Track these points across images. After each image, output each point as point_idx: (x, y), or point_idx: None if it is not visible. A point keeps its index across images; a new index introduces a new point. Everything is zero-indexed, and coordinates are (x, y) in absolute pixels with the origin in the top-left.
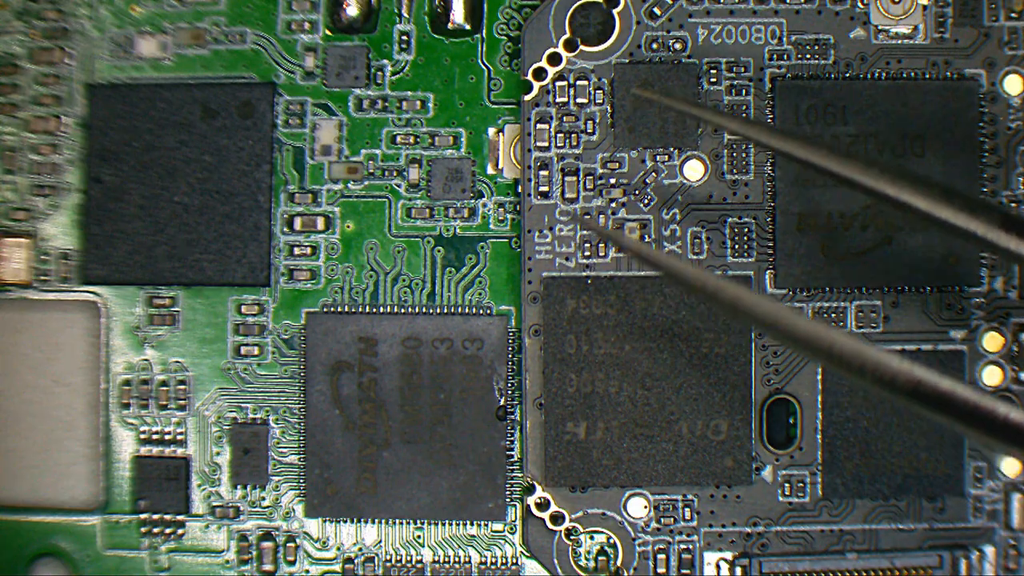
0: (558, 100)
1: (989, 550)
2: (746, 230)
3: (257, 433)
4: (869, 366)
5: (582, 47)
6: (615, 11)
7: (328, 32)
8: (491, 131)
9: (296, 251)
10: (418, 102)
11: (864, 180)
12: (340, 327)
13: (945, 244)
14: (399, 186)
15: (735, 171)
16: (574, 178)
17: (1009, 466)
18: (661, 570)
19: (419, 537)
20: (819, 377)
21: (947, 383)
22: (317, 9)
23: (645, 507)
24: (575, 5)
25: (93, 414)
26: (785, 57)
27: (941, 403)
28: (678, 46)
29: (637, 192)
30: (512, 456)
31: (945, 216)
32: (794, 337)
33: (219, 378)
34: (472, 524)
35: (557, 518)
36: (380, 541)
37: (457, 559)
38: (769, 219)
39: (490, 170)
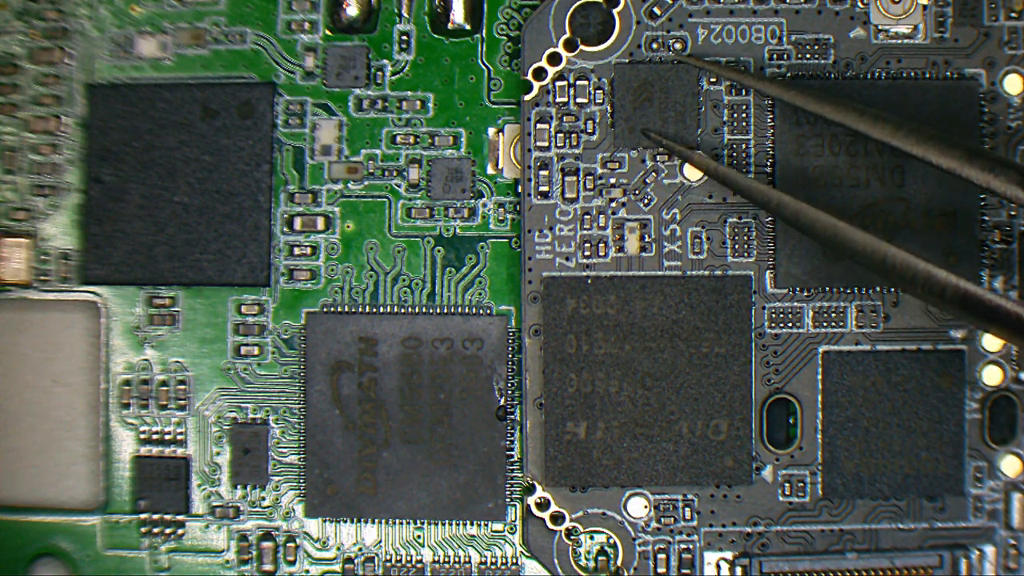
0: (558, 100)
1: (989, 550)
2: (746, 230)
3: (257, 433)
4: (920, 278)
5: (582, 47)
6: (615, 11)
7: (328, 32)
8: (491, 131)
9: (296, 251)
10: (418, 102)
11: (893, 141)
12: (340, 327)
13: (945, 244)
14: (399, 186)
15: (735, 170)
16: (574, 178)
17: (1009, 465)
18: (661, 570)
19: (419, 537)
20: (819, 377)
21: (992, 295)
22: (317, 9)
23: (645, 507)
24: (575, 5)
25: (93, 414)
26: (785, 57)
27: (986, 313)
28: (678, 46)
29: (637, 192)
30: (512, 456)
31: (968, 175)
32: (851, 248)
33: (219, 378)
34: (472, 524)
35: (557, 518)
36: (380, 541)
37: (457, 559)
38: (769, 219)
39: (490, 170)
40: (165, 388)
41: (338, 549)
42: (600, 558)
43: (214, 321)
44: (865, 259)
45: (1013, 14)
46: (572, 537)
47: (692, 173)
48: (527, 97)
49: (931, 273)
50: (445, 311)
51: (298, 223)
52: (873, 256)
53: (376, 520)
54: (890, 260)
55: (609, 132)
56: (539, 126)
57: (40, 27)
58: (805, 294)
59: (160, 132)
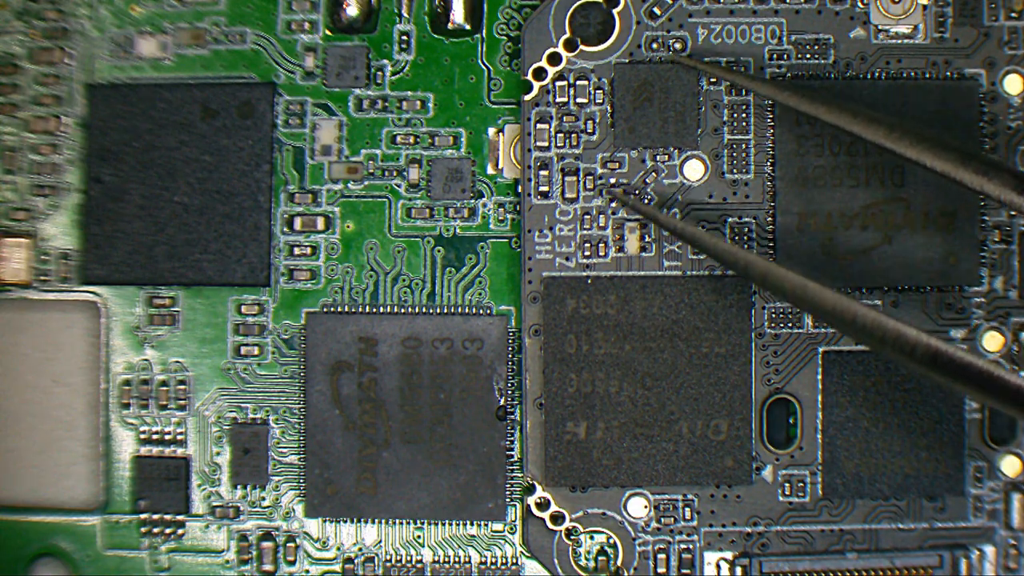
0: (558, 100)
1: (989, 550)
2: (746, 230)
3: (257, 433)
4: (890, 337)
5: (582, 47)
6: (615, 11)
7: (328, 32)
8: (491, 131)
9: (296, 251)
10: (418, 102)
11: (887, 143)
12: (340, 327)
13: (945, 244)
14: (399, 186)
15: (735, 171)
16: (574, 178)
17: (1009, 466)
18: (661, 570)
19: (419, 537)
20: (819, 377)
21: (962, 354)
22: (317, 9)
23: (645, 507)
24: (575, 5)
25: (93, 414)
26: (785, 57)
27: (957, 372)
28: (678, 46)
29: (637, 192)
30: (512, 456)
31: (962, 178)
32: (821, 308)
33: (219, 378)
34: (472, 524)
35: (557, 518)
36: (380, 541)
37: (457, 559)
38: (769, 219)
39: (490, 170)
40: (165, 388)
41: (338, 549)
42: (600, 558)
43: (214, 321)
44: (835, 319)
45: (1013, 14)
46: (572, 537)
47: (692, 173)
48: (527, 97)
49: (901, 332)
50: (445, 311)
51: (298, 223)
52: (843, 316)
53: (376, 520)
54: (860, 320)
55: (609, 132)
56: (539, 126)
57: (40, 27)
58: None
59: (160, 132)
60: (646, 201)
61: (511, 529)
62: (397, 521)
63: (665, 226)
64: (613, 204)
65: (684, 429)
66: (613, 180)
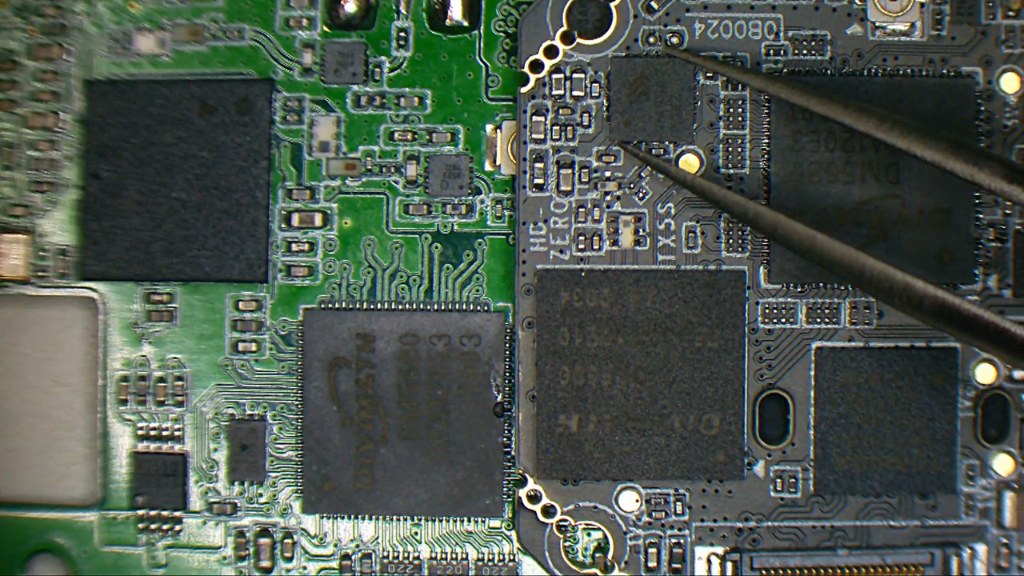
0: (554, 93)
1: (981, 548)
2: (740, 225)
3: (255, 429)
4: (898, 288)
5: (579, 40)
6: (612, 4)
7: (326, 28)
8: (489, 127)
9: (294, 247)
10: (416, 98)
11: (877, 133)
12: (338, 323)
13: (940, 241)
14: (397, 182)
15: (730, 165)
16: (569, 171)
17: (1001, 464)
18: (652, 564)
19: (416, 533)
20: (812, 373)
21: (969, 305)
22: (315, 5)
23: (637, 501)
24: None
25: (91, 410)
26: (782, 53)
27: (964, 323)
28: (675, 40)
29: (632, 186)
30: (509, 452)
31: (952, 167)
32: (829, 260)
33: (217, 374)
34: (469, 520)
35: (548, 511)
36: (377, 537)
37: (454, 555)
38: None
39: (488, 166)
40: (163, 384)
41: (335, 545)
42: (597, 555)
43: (212, 317)
44: (843, 270)
45: (1010, 12)
46: (563, 530)
47: (687, 167)
48: (523, 89)
49: (908, 283)
50: (443, 307)
51: (296, 219)
52: (851, 267)
53: (373, 516)
54: (868, 271)
55: (605, 126)
56: (535, 119)
57: (39, 23)
58: (799, 290)
59: (158, 128)
60: (641, 195)
61: (508, 525)
62: (394, 517)
63: (675, 177)
64: (608, 197)
65: (676, 423)
66: (608, 173)
